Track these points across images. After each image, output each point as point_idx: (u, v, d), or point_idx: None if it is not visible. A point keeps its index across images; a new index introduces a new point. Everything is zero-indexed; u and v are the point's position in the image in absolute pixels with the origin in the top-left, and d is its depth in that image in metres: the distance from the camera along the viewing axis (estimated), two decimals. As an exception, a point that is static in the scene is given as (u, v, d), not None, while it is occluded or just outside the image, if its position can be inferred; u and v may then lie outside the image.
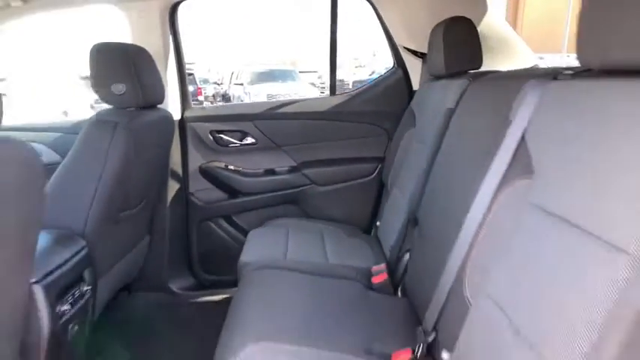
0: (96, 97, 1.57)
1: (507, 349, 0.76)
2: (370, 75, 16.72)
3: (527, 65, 1.94)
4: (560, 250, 0.71)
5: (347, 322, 1.22)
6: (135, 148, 1.47)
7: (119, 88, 1.49)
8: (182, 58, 2.03)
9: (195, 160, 2.08)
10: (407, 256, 1.51)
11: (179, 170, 2.06)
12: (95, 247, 1.42)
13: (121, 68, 1.48)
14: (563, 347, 0.63)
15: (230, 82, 12.38)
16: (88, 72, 1.53)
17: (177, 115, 2.02)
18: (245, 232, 2.13)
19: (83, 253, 1.36)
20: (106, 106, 1.54)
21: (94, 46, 1.48)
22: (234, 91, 11.55)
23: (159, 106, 1.72)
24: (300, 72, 12.58)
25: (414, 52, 1.95)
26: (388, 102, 2.07)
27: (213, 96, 16.05)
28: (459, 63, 1.52)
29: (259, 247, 1.67)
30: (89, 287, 1.36)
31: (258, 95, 9.64)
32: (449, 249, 1.07)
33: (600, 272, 0.61)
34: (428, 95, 1.70)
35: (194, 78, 12.35)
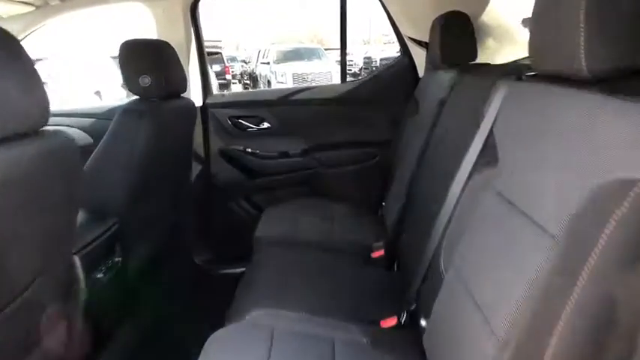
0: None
1: (468, 319, 0.84)
2: (398, 52, 16.49)
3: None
4: (508, 233, 0.80)
5: (343, 292, 1.37)
6: (159, 135, 1.64)
7: (145, 80, 1.65)
8: (203, 50, 2.18)
9: (216, 144, 2.25)
10: (404, 235, 1.65)
11: (201, 153, 2.24)
12: (126, 224, 1.61)
13: (147, 63, 1.64)
14: (508, 322, 0.70)
15: (257, 61, 12.51)
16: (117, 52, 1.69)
17: (199, 102, 2.18)
18: (261, 209, 2.31)
19: (114, 228, 1.55)
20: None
21: (123, 43, 1.65)
22: (261, 70, 11.68)
23: (182, 95, 1.89)
24: (326, 49, 12.58)
25: (418, 42, 2.05)
26: (395, 89, 2.18)
27: (241, 74, 16.21)
28: (454, 55, 1.62)
29: (272, 224, 1.84)
30: (119, 259, 1.56)
31: (284, 75, 9.75)
32: (431, 227, 1.21)
33: (535, 256, 0.69)
34: (428, 84, 1.81)
35: (222, 57, 12.54)
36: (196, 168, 2.23)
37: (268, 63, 10.86)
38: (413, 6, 1.98)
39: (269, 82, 10.31)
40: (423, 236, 1.30)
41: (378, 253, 1.62)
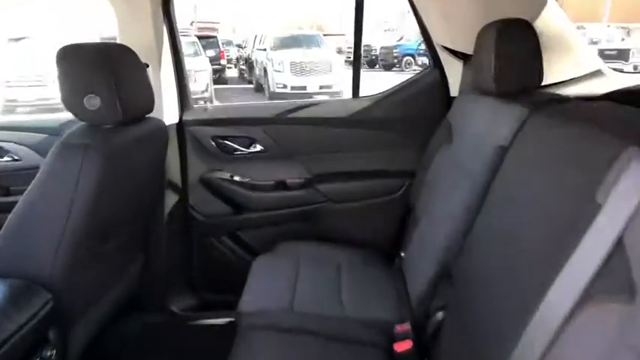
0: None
1: None
2: (398, 41, 15.96)
3: (591, 69, 1.58)
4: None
5: None
6: (114, 173, 1.22)
7: (93, 102, 1.22)
8: (180, 53, 1.73)
9: (196, 170, 1.82)
10: (438, 315, 1.24)
11: (177, 180, 1.81)
12: (65, 297, 1.19)
13: (95, 78, 1.20)
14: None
15: (253, 47, 11.97)
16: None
17: (174, 118, 1.75)
18: (251, 250, 1.90)
19: (47, 308, 1.13)
20: None
21: (61, 49, 1.21)
22: (257, 56, 11.16)
23: (149, 115, 1.46)
24: (324, 35, 12.05)
25: (455, 53, 1.61)
26: (421, 108, 1.75)
27: (237, 59, 15.64)
28: (515, 80, 1.20)
29: (263, 287, 1.43)
30: (53, 351, 1.14)
31: (282, 64, 9.23)
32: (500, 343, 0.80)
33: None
34: (471, 112, 1.39)
35: (217, 41, 12.02)
36: (172, 198, 1.80)
37: (265, 49, 10.31)
38: (453, 9, 1.52)
39: (265, 71, 9.77)
40: (475, 342, 0.89)
41: (403, 346, 1.20)
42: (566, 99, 1.12)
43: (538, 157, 0.94)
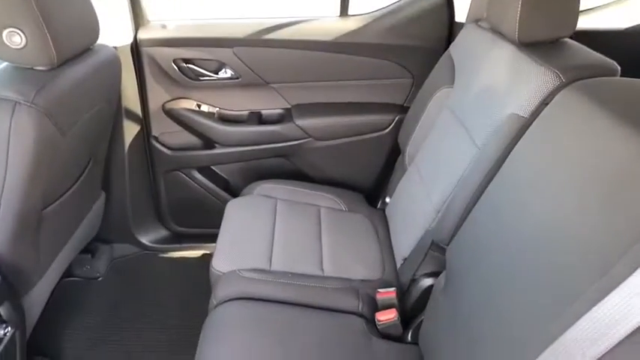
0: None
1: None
2: None
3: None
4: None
5: None
6: (56, 124, 1.02)
7: (15, 39, 0.96)
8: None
9: (158, 98, 1.59)
10: (424, 281, 1.17)
11: (137, 109, 1.58)
12: (14, 269, 1.06)
13: (14, 8, 0.94)
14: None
15: None
16: None
17: (127, 38, 1.47)
18: (225, 183, 1.76)
19: None
20: None
21: None
22: None
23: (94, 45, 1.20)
24: None
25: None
26: (419, 34, 1.51)
27: None
28: (545, 26, 0.98)
29: (238, 241, 1.31)
30: (7, 328, 1.04)
31: None
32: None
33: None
34: (481, 55, 1.17)
35: None
36: (131, 129, 1.59)
37: None
38: None
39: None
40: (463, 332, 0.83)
41: (386, 317, 1.13)
42: (611, 68, 0.92)
43: (568, 145, 0.77)
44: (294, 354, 1.00)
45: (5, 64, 1.02)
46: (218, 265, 1.23)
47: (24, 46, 0.97)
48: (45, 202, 1.13)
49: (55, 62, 1.01)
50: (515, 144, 0.90)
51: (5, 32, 0.95)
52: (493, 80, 1.07)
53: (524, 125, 0.91)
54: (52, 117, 0.99)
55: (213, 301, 1.15)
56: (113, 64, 1.29)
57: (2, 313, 1.04)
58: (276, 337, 1.03)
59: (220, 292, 1.15)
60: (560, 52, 0.99)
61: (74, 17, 1.06)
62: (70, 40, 1.05)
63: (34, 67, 1.02)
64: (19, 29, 0.95)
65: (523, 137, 0.89)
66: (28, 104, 0.94)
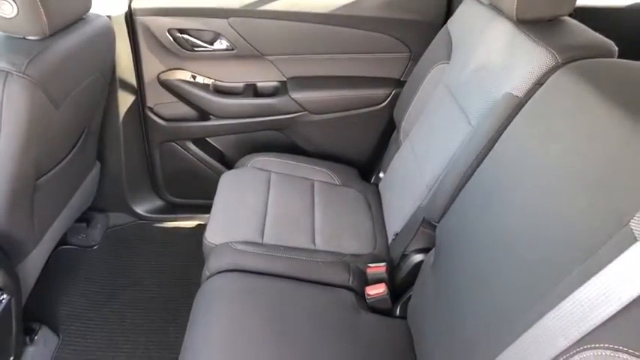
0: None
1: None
2: None
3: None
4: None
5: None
6: (49, 96, 1.01)
7: (6, 8, 0.95)
8: None
9: (152, 68, 1.57)
10: (414, 257, 1.19)
11: (132, 80, 1.57)
12: (9, 237, 1.08)
13: None
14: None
15: None
16: None
17: (121, 8, 1.44)
18: (220, 155, 1.76)
19: None
20: None
21: None
22: None
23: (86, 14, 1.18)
24: None
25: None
26: (417, 8, 1.49)
27: None
28: (542, 6, 0.97)
29: (231, 213, 1.32)
30: (3, 295, 1.06)
31: None
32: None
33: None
34: (478, 31, 1.16)
35: None
36: (126, 99, 1.58)
37: None
38: None
39: None
40: (454, 309, 0.86)
41: (376, 292, 1.16)
42: (608, 49, 0.91)
43: (561, 127, 0.77)
44: (284, 325, 1.02)
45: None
46: (211, 237, 1.25)
47: (15, 15, 0.96)
48: (39, 172, 1.14)
49: (47, 32, 1.00)
50: (509, 124, 0.91)
51: (-5, 1, 0.94)
52: (490, 58, 1.07)
53: (519, 105, 0.91)
54: (44, 87, 0.99)
55: (206, 272, 1.17)
56: (107, 34, 1.27)
57: (-1, 281, 1.06)
58: (266, 308, 1.05)
59: (213, 263, 1.17)
60: (558, 31, 0.98)
61: None
62: (62, 8, 1.04)
63: (26, 37, 1.01)
64: None
65: (516, 117, 0.89)
66: (20, 74, 0.94)
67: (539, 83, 0.88)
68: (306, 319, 1.06)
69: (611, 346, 0.52)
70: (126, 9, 1.45)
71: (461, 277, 0.91)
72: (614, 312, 0.53)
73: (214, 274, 1.14)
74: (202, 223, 1.85)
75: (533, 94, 0.87)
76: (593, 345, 0.54)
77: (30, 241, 1.19)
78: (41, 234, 1.25)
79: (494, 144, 0.93)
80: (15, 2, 0.94)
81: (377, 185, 1.55)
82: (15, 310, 1.12)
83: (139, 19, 1.47)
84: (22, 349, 1.27)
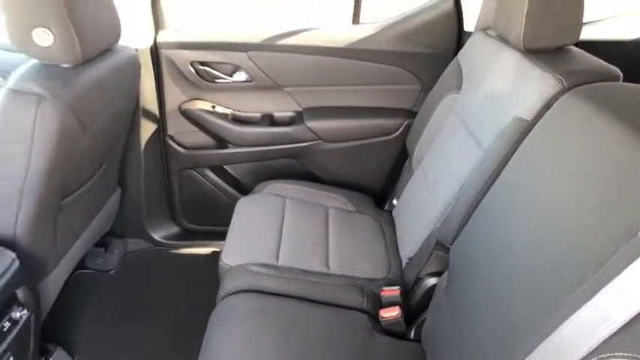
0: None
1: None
2: None
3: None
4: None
5: None
6: (78, 119, 1.07)
7: (44, 36, 1.02)
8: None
9: (174, 98, 1.64)
10: (428, 280, 1.20)
11: (154, 109, 1.64)
12: (32, 254, 1.11)
13: (44, 7, 1.00)
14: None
15: None
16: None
17: (147, 41, 1.53)
18: (236, 182, 1.80)
19: (13, 268, 1.05)
20: None
21: None
22: None
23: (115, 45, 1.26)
24: None
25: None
26: (429, 42, 1.55)
27: None
28: (550, 34, 1.02)
29: (247, 236, 1.35)
30: (24, 311, 1.09)
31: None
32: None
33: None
34: (488, 62, 1.21)
35: None
36: (148, 128, 1.65)
37: None
38: None
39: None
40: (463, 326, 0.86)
41: (390, 314, 1.16)
42: (613, 74, 0.95)
43: (568, 147, 0.80)
44: (297, 346, 1.03)
45: (33, 61, 1.08)
46: (227, 258, 1.27)
47: (51, 44, 1.03)
48: (64, 192, 1.18)
49: (80, 60, 1.07)
50: (518, 147, 0.94)
51: (35, 31, 1.01)
52: (499, 85, 1.11)
53: (527, 128, 0.94)
54: (74, 111, 1.05)
55: (221, 293, 1.19)
56: (133, 65, 1.35)
57: (19, 296, 1.08)
58: (280, 329, 1.06)
59: (228, 284, 1.19)
60: (564, 59, 1.02)
61: (99, 18, 1.12)
62: (95, 39, 1.11)
63: (60, 65, 1.08)
64: (48, 28, 1.01)
65: (525, 140, 0.92)
66: (53, 98, 1.00)
67: (546, 107, 0.91)
68: (320, 340, 1.06)
69: (628, 354, 0.53)
70: (152, 42, 1.54)
71: (474, 298, 0.91)
72: (623, 323, 0.54)
73: (229, 294, 1.16)
74: (217, 249, 1.87)
75: (540, 118, 0.90)
76: (609, 354, 0.55)
77: (52, 260, 1.23)
78: (62, 254, 1.29)
79: (505, 166, 0.95)
80: (52, 32, 1.01)
81: (390, 212, 1.57)
82: (34, 328, 1.14)
83: (164, 52, 1.56)
84: None
